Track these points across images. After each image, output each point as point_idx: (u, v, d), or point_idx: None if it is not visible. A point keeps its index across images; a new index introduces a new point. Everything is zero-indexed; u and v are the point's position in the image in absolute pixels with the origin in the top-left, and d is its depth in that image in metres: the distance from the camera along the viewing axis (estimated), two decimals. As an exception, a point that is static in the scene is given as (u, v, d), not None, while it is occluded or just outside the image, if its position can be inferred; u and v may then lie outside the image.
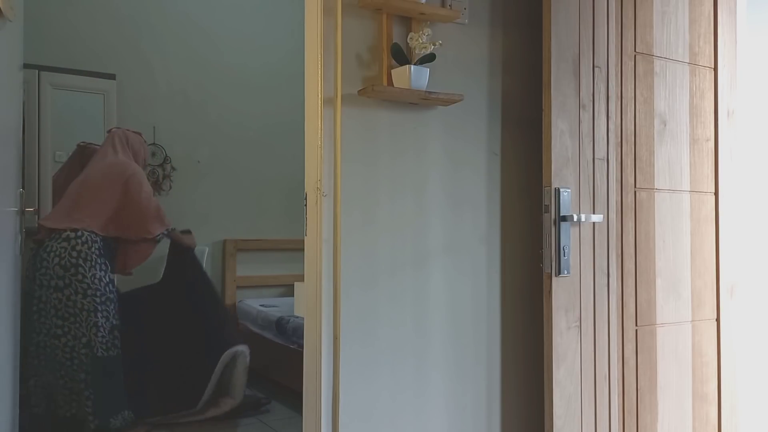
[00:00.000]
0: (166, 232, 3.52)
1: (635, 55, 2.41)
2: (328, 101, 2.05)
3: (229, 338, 3.64)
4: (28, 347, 3.23)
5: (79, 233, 3.26)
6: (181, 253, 3.76)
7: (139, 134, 3.79)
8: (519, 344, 2.41)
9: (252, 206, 4.98)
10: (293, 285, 4.49)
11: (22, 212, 2.26)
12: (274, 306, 4.45)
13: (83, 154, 3.88)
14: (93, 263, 3.24)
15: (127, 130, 3.75)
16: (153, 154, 4.59)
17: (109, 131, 3.75)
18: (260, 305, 4.50)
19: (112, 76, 4.24)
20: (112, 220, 3.38)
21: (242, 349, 3.62)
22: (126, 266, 3.48)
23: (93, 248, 3.26)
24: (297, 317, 3.90)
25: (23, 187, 2.39)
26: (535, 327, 2.40)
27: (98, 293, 3.22)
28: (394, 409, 2.15)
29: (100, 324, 3.19)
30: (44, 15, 4.18)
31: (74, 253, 3.21)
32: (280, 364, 3.88)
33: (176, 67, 4.71)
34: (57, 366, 3.18)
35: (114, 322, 3.28)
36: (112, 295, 3.29)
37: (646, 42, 2.43)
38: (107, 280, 3.29)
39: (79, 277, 3.19)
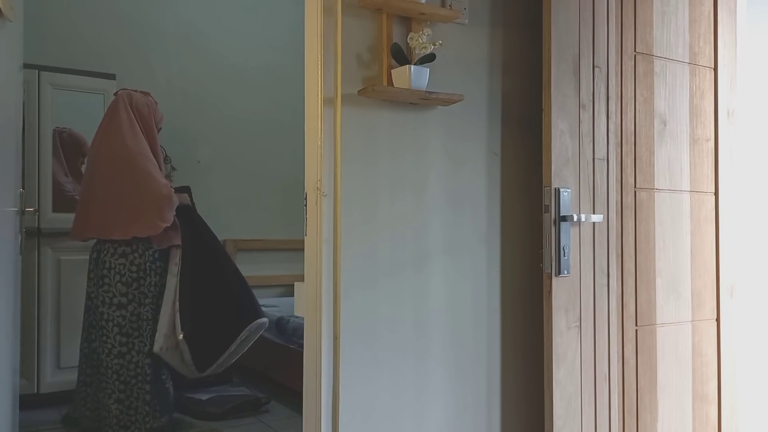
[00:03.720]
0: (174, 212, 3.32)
1: (635, 55, 2.41)
2: (328, 101, 2.05)
3: (253, 305, 3.48)
4: (81, 349, 3.26)
5: (135, 247, 3.18)
6: (184, 214, 3.48)
7: (147, 94, 3.50)
8: (519, 344, 2.41)
9: (252, 206, 4.98)
10: (293, 285, 4.49)
11: (22, 212, 2.26)
12: (274, 306, 4.45)
13: (63, 140, 3.83)
14: (151, 271, 3.19)
15: (133, 91, 3.44)
16: (153, 154, 4.58)
17: (115, 93, 3.47)
18: (260, 305, 4.49)
19: (112, 76, 4.24)
20: (134, 220, 3.22)
21: (264, 321, 3.45)
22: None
23: (148, 256, 3.20)
24: (297, 317, 3.90)
25: (23, 187, 2.39)
26: (535, 327, 2.40)
27: (160, 298, 3.19)
28: (394, 409, 2.15)
29: (159, 321, 3.17)
30: (44, 15, 4.18)
31: (133, 268, 3.16)
32: (280, 364, 3.88)
33: (176, 66, 4.71)
34: (121, 386, 3.13)
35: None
36: (163, 288, 3.24)
37: (646, 42, 2.43)
38: (160, 282, 3.24)
39: (142, 289, 3.16)
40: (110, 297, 3.15)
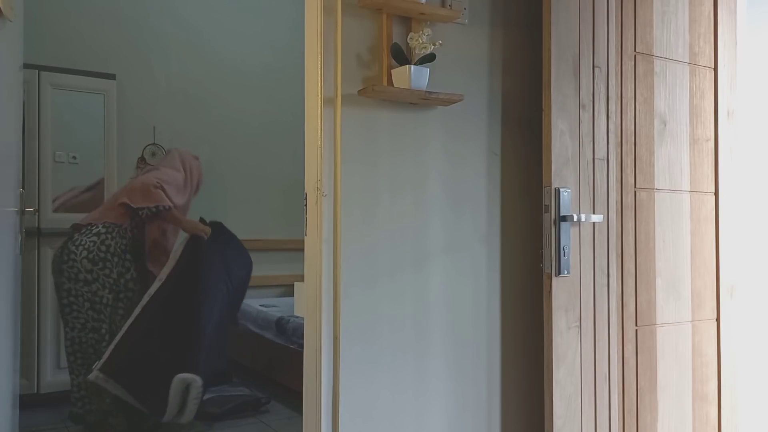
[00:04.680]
0: (154, 208, 3.34)
1: (635, 55, 2.41)
2: (328, 101, 2.05)
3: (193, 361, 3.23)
4: (64, 344, 3.24)
5: (110, 228, 3.26)
6: (191, 242, 3.49)
7: (196, 158, 3.86)
8: (519, 344, 2.41)
9: (252, 206, 4.98)
10: (293, 285, 4.49)
11: (22, 212, 2.26)
12: (274, 306, 4.45)
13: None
14: (120, 259, 3.22)
15: (186, 151, 3.82)
16: (153, 154, 4.58)
17: (168, 151, 3.84)
18: (260, 305, 4.50)
19: (112, 76, 4.24)
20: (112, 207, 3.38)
21: (189, 378, 3.15)
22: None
23: (121, 244, 3.25)
24: (297, 317, 3.90)
25: (23, 187, 2.39)
26: (535, 327, 2.40)
27: (116, 289, 3.22)
28: (394, 409, 2.15)
29: (118, 317, 3.19)
30: (44, 15, 4.17)
31: (103, 248, 3.20)
32: (280, 364, 3.88)
33: (176, 66, 4.71)
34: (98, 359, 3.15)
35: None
36: (130, 293, 3.28)
37: (646, 42, 2.43)
38: (128, 277, 3.28)
39: (107, 272, 3.19)
40: (75, 272, 3.18)
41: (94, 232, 3.24)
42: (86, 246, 3.19)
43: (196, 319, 3.29)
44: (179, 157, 3.74)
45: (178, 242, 3.53)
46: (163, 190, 3.36)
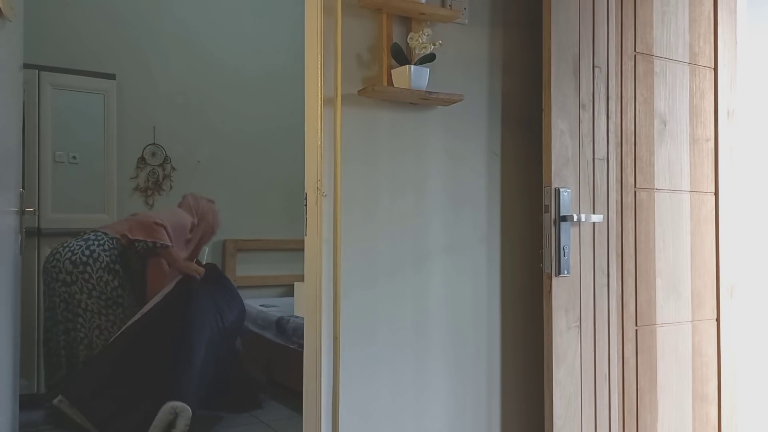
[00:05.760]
0: (150, 243, 3.38)
1: (635, 55, 2.41)
2: (328, 101, 2.05)
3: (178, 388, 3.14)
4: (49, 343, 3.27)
5: (100, 235, 3.32)
6: (183, 281, 3.53)
7: (212, 201, 3.92)
8: (519, 344, 2.41)
9: (252, 206, 4.98)
10: (293, 285, 4.49)
11: (22, 212, 2.26)
12: (274, 306, 4.45)
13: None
14: (103, 265, 3.24)
15: (201, 197, 3.90)
16: (153, 154, 4.59)
17: (183, 197, 3.92)
18: (260, 305, 4.50)
19: (112, 76, 4.24)
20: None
21: (184, 407, 3.06)
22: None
23: (108, 252, 3.28)
24: (297, 317, 3.90)
25: (23, 187, 2.39)
26: (535, 327, 2.40)
27: (103, 296, 3.22)
28: (394, 409, 2.15)
29: (102, 327, 3.20)
30: (44, 15, 4.17)
31: (87, 252, 3.23)
32: (280, 364, 3.88)
33: (176, 67, 4.71)
34: (68, 362, 3.17)
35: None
36: (120, 300, 3.29)
37: (646, 42, 2.43)
38: (115, 284, 3.28)
39: (86, 276, 3.20)
40: (56, 272, 3.23)
41: (83, 237, 3.32)
42: (72, 249, 3.26)
43: (180, 348, 3.24)
44: (192, 202, 3.85)
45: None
46: (165, 228, 3.44)
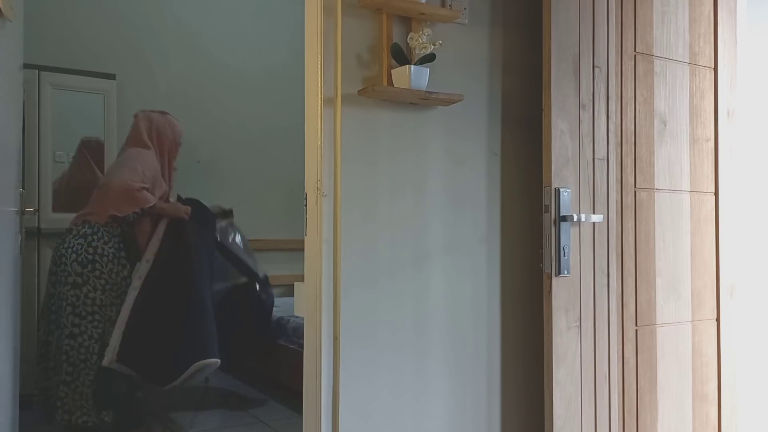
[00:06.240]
0: (140, 211, 3.32)
1: (635, 55, 2.41)
2: (328, 101, 2.05)
3: (206, 343, 3.28)
4: (50, 350, 3.26)
5: (96, 229, 3.26)
6: (174, 227, 3.47)
7: (165, 113, 3.67)
8: (519, 344, 2.41)
9: (252, 206, 4.97)
10: (293, 285, 4.49)
11: (22, 212, 2.26)
12: (274, 306, 4.44)
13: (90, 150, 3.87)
14: (110, 258, 3.23)
15: (152, 112, 3.62)
16: (153, 154, 4.58)
17: (134, 116, 3.63)
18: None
19: (112, 76, 4.24)
20: (91, 210, 3.35)
21: (212, 362, 3.26)
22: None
23: (110, 243, 3.26)
24: (297, 317, 3.90)
25: (23, 187, 2.39)
26: (535, 327, 2.40)
27: (116, 288, 3.22)
28: (394, 409, 2.15)
29: (113, 319, 3.19)
30: (44, 15, 4.17)
31: (90, 250, 3.20)
32: (280, 364, 3.88)
33: (176, 67, 4.71)
34: (69, 368, 3.14)
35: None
36: (128, 288, 3.27)
37: (646, 42, 2.43)
38: (125, 274, 3.28)
39: (97, 273, 3.19)
40: (65, 276, 3.18)
41: (81, 234, 3.25)
42: (74, 249, 3.21)
43: (193, 299, 3.32)
44: (145, 126, 3.56)
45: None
46: (147, 189, 3.35)
